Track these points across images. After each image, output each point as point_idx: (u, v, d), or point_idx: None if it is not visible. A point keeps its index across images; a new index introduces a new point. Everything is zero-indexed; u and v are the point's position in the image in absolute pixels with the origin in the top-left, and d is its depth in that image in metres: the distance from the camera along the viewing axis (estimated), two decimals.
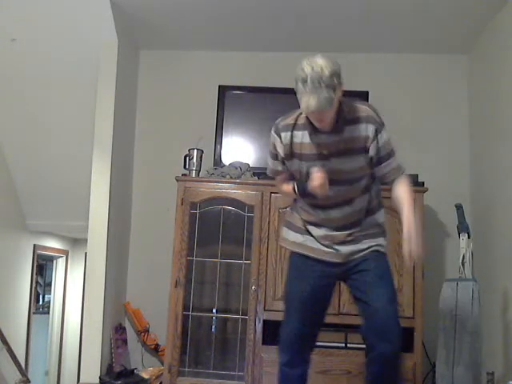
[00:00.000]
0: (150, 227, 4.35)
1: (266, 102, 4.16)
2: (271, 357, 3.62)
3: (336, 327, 3.52)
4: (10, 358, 4.65)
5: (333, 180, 2.29)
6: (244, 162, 3.96)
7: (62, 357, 6.66)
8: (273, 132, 2.44)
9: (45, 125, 4.52)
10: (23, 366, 5.00)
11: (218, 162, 4.05)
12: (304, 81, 2.10)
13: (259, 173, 3.96)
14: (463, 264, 3.40)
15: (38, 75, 4.27)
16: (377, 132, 2.28)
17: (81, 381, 3.90)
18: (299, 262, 2.48)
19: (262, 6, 3.83)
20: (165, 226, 4.08)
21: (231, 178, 3.85)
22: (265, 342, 3.63)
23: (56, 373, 6.56)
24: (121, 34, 4.07)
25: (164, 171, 4.28)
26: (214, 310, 3.82)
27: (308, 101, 2.10)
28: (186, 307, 3.76)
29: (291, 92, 4.08)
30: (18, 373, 4.71)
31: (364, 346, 2.37)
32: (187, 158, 3.99)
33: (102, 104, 4.04)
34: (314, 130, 2.27)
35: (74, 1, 3.82)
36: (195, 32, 4.25)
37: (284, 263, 3.73)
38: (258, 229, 3.74)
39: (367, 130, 2.28)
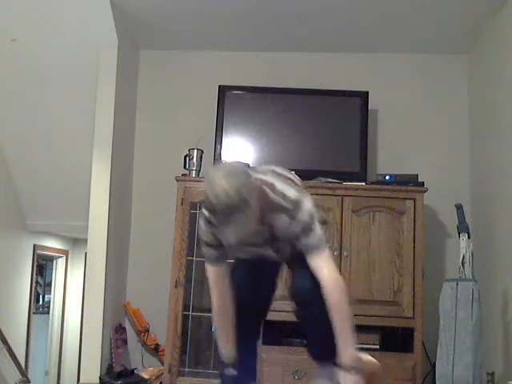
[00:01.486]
0: (150, 227, 4.35)
1: (266, 102, 4.15)
2: (271, 357, 3.62)
3: None
4: (10, 358, 4.64)
5: None
6: (244, 162, 3.95)
7: (62, 357, 6.65)
8: None
9: (45, 125, 4.51)
10: (23, 366, 4.99)
11: (218, 162, 4.05)
12: (213, 211, 1.93)
13: None
14: (463, 264, 3.39)
15: (37, 75, 4.27)
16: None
17: (81, 381, 3.90)
18: None
19: (262, 7, 3.83)
20: (165, 226, 4.08)
21: None
22: (265, 341, 3.63)
23: (56, 373, 6.55)
24: (121, 34, 4.07)
25: (164, 171, 4.27)
26: None
27: (226, 234, 1.95)
28: (186, 307, 3.77)
29: (291, 92, 4.15)
30: (18, 373, 4.70)
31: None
32: (187, 158, 3.99)
33: (101, 104, 4.04)
34: None
35: (74, 1, 3.82)
36: (195, 32, 4.25)
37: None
38: None
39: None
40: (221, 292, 2.21)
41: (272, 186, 2.05)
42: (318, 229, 2.04)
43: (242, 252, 2.21)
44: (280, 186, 2.06)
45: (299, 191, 2.08)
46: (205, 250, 2.20)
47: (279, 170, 2.18)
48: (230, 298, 2.21)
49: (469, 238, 3.44)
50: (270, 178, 2.08)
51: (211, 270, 2.21)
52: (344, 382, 1.98)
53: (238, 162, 2.04)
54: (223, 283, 2.21)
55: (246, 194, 1.87)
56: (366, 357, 2.13)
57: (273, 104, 4.14)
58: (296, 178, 2.18)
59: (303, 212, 2.02)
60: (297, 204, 2.03)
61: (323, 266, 2.02)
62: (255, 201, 1.93)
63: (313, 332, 2.15)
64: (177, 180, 3.88)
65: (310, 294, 2.06)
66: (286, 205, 2.03)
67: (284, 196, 2.04)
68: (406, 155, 4.27)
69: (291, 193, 2.05)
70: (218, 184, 1.86)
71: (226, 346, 2.20)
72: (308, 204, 2.05)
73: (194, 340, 3.80)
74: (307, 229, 2.02)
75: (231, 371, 2.17)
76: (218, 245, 2.14)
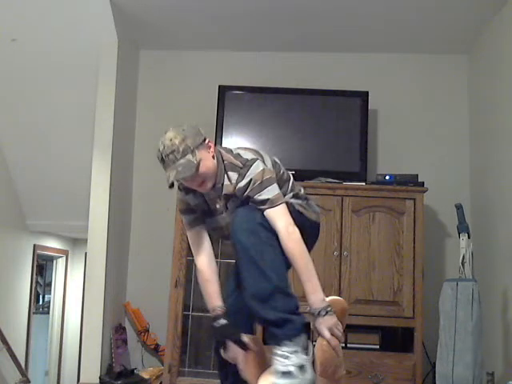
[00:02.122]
0: (150, 227, 4.35)
1: (266, 102, 4.15)
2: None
3: None
4: (10, 358, 4.64)
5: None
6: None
7: (62, 357, 6.66)
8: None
9: (45, 125, 4.52)
10: (23, 366, 4.99)
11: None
12: (161, 159, 2.20)
13: None
14: (463, 264, 3.39)
15: (38, 75, 4.27)
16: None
17: (81, 381, 3.90)
18: None
19: (261, 7, 3.83)
20: (165, 226, 4.08)
21: None
22: (265, 341, 3.63)
23: (56, 373, 6.56)
24: (121, 34, 4.07)
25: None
26: None
27: (169, 175, 2.19)
28: (186, 307, 3.77)
29: (291, 92, 4.16)
30: (18, 373, 4.70)
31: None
32: None
33: (102, 104, 4.04)
34: None
35: (74, 1, 3.82)
36: (195, 32, 4.25)
37: None
38: None
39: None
40: (201, 251, 2.30)
41: (229, 150, 2.18)
42: (272, 187, 2.07)
43: (209, 222, 2.28)
44: (238, 150, 2.17)
45: (259, 159, 2.12)
46: (182, 217, 2.37)
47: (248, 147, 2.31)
48: (210, 255, 2.32)
49: (469, 238, 3.45)
50: (231, 147, 2.21)
51: (190, 234, 2.33)
52: (322, 327, 1.99)
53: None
54: (202, 241, 2.31)
55: (192, 144, 2.07)
56: (330, 297, 2.14)
57: (273, 104, 4.14)
58: (263, 152, 2.24)
59: (253, 169, 2.07)
60: (248, 163, 2.09)
61: (277, 221, 2.04)
62: (205, 156, 2.09)
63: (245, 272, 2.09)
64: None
65: (242, 221, 2.06)
66: (237, 163, 2.12)
67: (238, 156, 2.14)
68: (406, 155, 4.27)
69: (247, 155, 2.13)
70: (167, 134, 2.10)
71: (210, 300, 2.28)
72: (261, 165, 2.09)
73: (193, 340, 3.80)
74: (257, 186, 2.06)
75: (221, 322, 2.21)
76: (189, 209, 2.33)
